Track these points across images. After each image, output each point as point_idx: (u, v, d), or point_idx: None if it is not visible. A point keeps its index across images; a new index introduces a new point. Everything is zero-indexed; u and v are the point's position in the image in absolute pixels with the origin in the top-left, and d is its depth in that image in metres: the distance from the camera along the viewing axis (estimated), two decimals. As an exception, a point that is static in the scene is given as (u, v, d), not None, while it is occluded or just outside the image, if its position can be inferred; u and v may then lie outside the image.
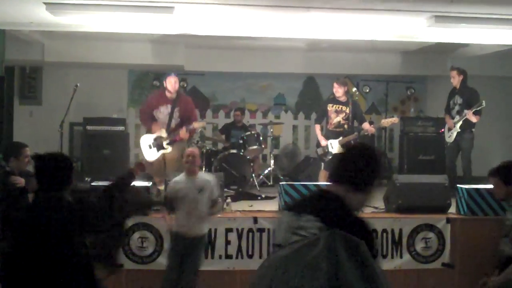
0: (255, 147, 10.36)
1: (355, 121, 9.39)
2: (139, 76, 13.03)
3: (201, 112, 12.98)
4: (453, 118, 9.69)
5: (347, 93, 9.43)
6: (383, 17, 8.21)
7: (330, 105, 9.39)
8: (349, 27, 8.96)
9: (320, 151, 9.40)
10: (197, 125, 8.89)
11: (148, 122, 8.87)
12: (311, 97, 13.59)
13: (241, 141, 10.39)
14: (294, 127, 13.39)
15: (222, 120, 12.95)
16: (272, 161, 11.12)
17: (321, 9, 7.65)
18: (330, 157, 9.05)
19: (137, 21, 8.26)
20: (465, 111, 9.35)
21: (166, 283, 6.13)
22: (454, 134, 9.59)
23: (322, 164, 9.36)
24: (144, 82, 12.95)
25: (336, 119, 9.29)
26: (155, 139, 8.73)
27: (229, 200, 7.89)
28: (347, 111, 9.20)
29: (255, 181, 10.17)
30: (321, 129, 9.67)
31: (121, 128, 11.19)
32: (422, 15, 7.93)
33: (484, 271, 7.27)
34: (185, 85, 12.05)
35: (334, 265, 1.00)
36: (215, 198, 6.29)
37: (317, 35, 9.62)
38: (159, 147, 8.71)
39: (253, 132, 10.65)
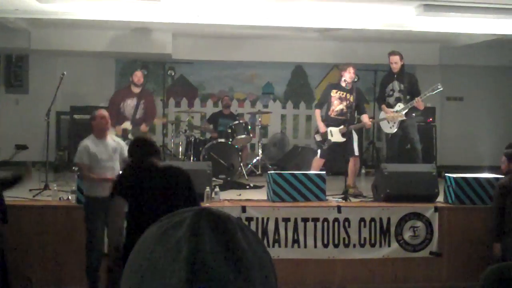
0: (243, 136, 10.32)
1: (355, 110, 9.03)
2: (126, 64, 12.93)
3: (189, 101, 12.94)
4: (391, 106, 9.03)
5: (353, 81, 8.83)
6: (371, 6, 8.19)
7: (334, 90, 8.89)
8: (337, 16, 8.93)
9: (318, 137, 8.98)
10: (157, 121, 10.10)
11: (113, 116, 9.11)
12: (299, 86, 13.56)
13: (229, 130, 10.36)
14: (283, 116, 13.36)
15: (210, 109, 12.89)
16: (260, 150, 11.09)
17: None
18: (328, 145, 8.72)
19: (124, 8, 8.19)
20: (416, 99, 8.62)
21: (90, 246, 6.27)
22: (397, 123, 8.86)
23: (319, 151, 8.98)
24: (131, 71, 12.72)
25: (339, 106, 8.84)
26: (122, 131, 9.37)
27: (217, 189, 7.87)
28: (351, 99, 8.72)
29: (243, 170, 10.15)
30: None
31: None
32: (411, 3, 7.91)
33: (471, 259, 7.35)
34: (173, 74, 11.98)
35: (194, 248, 0.98)
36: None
37: (306, 24, 9.59)
38: (125, 138, 9.05)
39: (241, 121, 10.61)
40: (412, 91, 8.89)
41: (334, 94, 8.86)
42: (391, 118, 8.89)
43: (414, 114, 9.07)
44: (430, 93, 8.74)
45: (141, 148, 5.04)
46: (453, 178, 7.72)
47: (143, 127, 9.53)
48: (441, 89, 8.70)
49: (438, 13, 8.17)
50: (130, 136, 9.22)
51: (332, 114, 8.87)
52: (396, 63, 9.01)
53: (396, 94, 9.04)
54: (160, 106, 11.61)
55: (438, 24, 9.27)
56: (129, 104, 9.58)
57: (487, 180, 7.79)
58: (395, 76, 9.07)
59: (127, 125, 9.52)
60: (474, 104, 13.27)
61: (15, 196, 7.53)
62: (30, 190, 7.97)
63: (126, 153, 6.27)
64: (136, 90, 9.63)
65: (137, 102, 9.59)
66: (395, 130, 8.97)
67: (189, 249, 0.95)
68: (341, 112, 8.85)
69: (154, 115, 9.99)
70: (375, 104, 12.54)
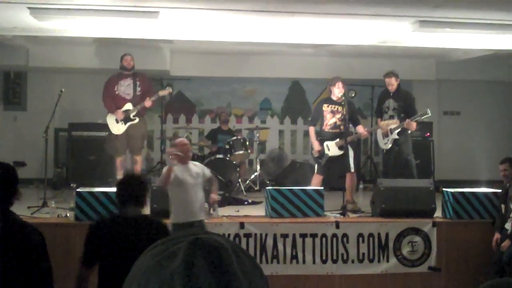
0: (241, 152, 10.34)
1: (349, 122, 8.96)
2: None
3: (187, 116, 12.96)
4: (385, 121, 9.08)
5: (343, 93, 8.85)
6: (367, 22, 8.25)
7: (326, 105, 8.92)
8: (333, 32, 8.99)
9: (315, 153, 8.93)
10: (161, 93, 9.48)
11: (112, 105, 9.35)
12: (297, 101, 13.59)
13: (227, 146, 10.37)
14: (280, 132, 13.38)
15: (208, 125, 12.92)
16: (258, 166, 11.09)
17: (305, 14, 7.68)
18: (324, 160, 8.75)
19: (122, 26, 8.24)
20: (407, 120, 8.63)
21: None
22: (391, 140, 8.96)
23: (316, 166, 8.98)
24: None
25: (332, 120, 8.85)
26: (123, 113, 9.22)
27: (215, 205, 7.87)
28: (344, 111, 8.69)
29: (242, 186, 10.15)
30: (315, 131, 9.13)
31: (106, 133, 11.12)
32: (407, 20, 7.97)
33: (470, 274, 7.35)
34: (171, 90, 11.98)
35: (188, 283, 0.97)
36: (209, 177, 6.49)
37: (302, 40, 9.65)
38: (127, 119, 9.24)
39: (239, 137, 10.62)
40: (407, 110, 8.92)
41: (326, 108, 8.88)
42: (384, 127, 8.96)
43: (409, 131, 9.08)
44: (418, 118, 8.69)
45: (123, 193, 4.48)
46: (451, 192, 7.74)
47: (147, 102, 9.18)
48: (429, 115, 8.67)
49: (433, 29, 8.24)
50: (132, 116, 9.22)
51: (326, 128, 8.87)
52: (392, 84, 9.12)
53: (391, 112, 9.11)
54: (158, 122, 11.62)
55: (434, 40, 9.33)
56: (124, 84, 9.37)
57: (485, 194, 7.81)
58: (391, 94, 9.14)
59: (129, 106, 9.28)
60: (471, 119, 13.32)
61: (13, 213, 7.55)
62: (29, 207, 7.97)
63: (208, 173, 6.46)
64: (128, 72, 9.47)
65: (133, 81, 9.38)
66: (390, 145, 9.01)
67: (183, 284, 0.94)
68: (334, 125, 8.84)
69: (153, 90, 9.62)
70: (372, 119, 12.59)
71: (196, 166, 6.41)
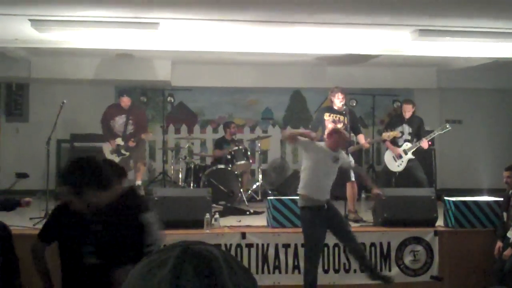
0: (243, 162, 10.35)
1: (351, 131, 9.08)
2: (122, 94, 12.97)
3: (189, 127, 12.98)
4: (399, 146, 9.52)
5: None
6: (367, 31, 8.27)
7: (327, 114, 8.89)
8: (334, 42, 9.01)
9: None
10: (144, 136, 10.12)
11: (107, 134, 10.07)
12: (298, 111, 13.60)
13: (229, 156, 10.38)
14: (282, 142, 13.37)
15: (210, 135, 12.94)
16: (260, 176, 11.09)
17: (305, 23, 7.70)
18: None
19: (122, 37, 8.27)
20: (422, 139, 9.20)
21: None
22: (405, 161, 9.38)
23: None
24: (131, 98, 12.88)
25: None
26: (115, 146, 9.89)
27: (217, 215, 7.87)
28: (345, 121, 8.68)
29: (244, 196, 10.14)
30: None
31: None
32: (407, 29, 7.99)
33: (472, 283, 7.33)
34: (172, 101, 12.04)
35: None
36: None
37: (303, 50, 9.66)
38: (119, 153, 9.87)
39: (240, 147, 10.63)
40: (419, 133, 9.43)
41: (327, 117, 8.86)
42: (387, 137, 9.18)
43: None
44: (439, 132, 9.24)
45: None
46: (453, 201, 7.73)
47: (131, 143, 9.87)
48: (449, 128, 9.20)
49: (433, 38, 8.25)
50: (123, 151, 9.84)
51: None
52: (409, 111, 9.60)
53: (406, 137, 9.56)
54: (160, 132, 11.65)
55: (435, 48, 9.34)
56: (118, 121, 9.99)
57: (487, 203, 7.80)
58: (406, 120, 9.59)
59: (119, 140, 9.92)
60: (473, 127, 13.31)
61: (15, 225, 7.55)
62: (31, 218, 7.98)
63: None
64: (125, 106, 10.12)
65: (126, 119, 9.97)
66: (402, 168, 9.41)
67: None
68: None
69: (145, 129, 10.26)
70: (373, 129, 12.59)
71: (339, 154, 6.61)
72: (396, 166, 9.50)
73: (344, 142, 6.60)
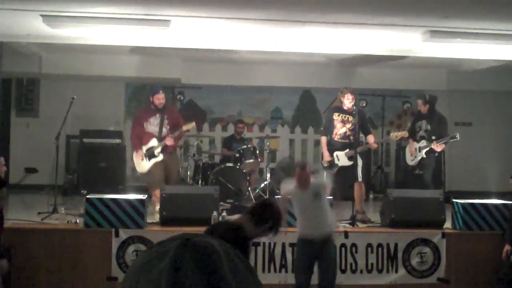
0: (251, 160, 10.35)
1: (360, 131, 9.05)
2: (136, 89, 13.04)
3: (198, 125, 12.98)
4: (417, 141, 9.49)
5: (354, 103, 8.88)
6: (378, 32, 8.25)
7: (336, 114, 8.88)
8: (344, 42, 9.00)
9: (325, 163, 8.89)
10: (185, 127, 8.97)
11: (136, 144, 8.91)
12: (307, 110, 13.60)
13: (237, 155, 10.39)
14: (291, 141, 13.38)
15: (219, 133, 12.97)
16: (268, 175, 11.08)
17: (316, 23, 7.70)
18: (335, 170, 8.66)
19: (133, 34, 8.29)
20: (433, 141, 9.10)
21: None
22: (419, 159, 9.36)
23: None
24: (141, 95, 12.94)
25: (342, 129, 8.79)
26: (147, 150, 8.80)
27: (224, 213, 7.88)
28: (354, 121, 8.66)
29: (251, 194, 10.15)
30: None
31: (118, 140, 11.22)
32: (417, 30, 7.97)
33: (479, 286, 7.31)
34: (182, 98, 12.06)
35: (174, 283, 0.97)
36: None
37: (313, 49, 9.65)
38: (151, 156, 8.80)
39: (249, 145, 10.63)
40: (440, 132, 9.24)
41: (337, 117, 8.86)
42: (395, 137, 9.10)
43: (436, 154, 9.45)
44: (447, 140, 9.09)
45: None
46: (461, 204, 7.69)
47: (169, 141, 8.79)
48: (458, 138, 9.04)
49: (444, 40, 8.22)
50: (156, 153, 8.79)
51: (336, 137, 8.83)
52: (420, 106, 9.54)
53: (422, 133, 9.44)
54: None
55: (445, 50, 9.32)
56: (154, 123, 8.93)
57: (495, 206, 7.76)
58: (423, 116, 9.49)
59: (154, 142, 8.84)
60: (482, 129, 13.26)
61: (23, 219, 7.59)
62: (39, 213, 8.01)
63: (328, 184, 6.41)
64: (158, 108, 8.97)
65: (161, 119, 8.93)
66: (415, 164, 9.43)
67: (168, 283, 0.95)
68: (344, 135, 8.80)
69: (182, 125, 9.03)
70: (383, 129, 12.58)
71: (315, 182, 6.14)
72: (410, 160, 9.57)
73: (303, 180, 6.27)
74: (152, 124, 8.91)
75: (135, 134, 8.98)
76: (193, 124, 9.29)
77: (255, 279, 1.08)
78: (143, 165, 8.85)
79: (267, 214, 4.20)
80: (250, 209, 4.41)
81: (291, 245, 7.25)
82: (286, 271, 7.25)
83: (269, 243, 7.29)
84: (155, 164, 8.80)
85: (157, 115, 8.91)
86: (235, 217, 4.34)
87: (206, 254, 1.00)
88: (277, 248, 7.30)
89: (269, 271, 7.30)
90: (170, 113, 9.14)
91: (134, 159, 8.95)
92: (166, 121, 8.96)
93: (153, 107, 8.91)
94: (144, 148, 8.81)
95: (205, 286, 0.97)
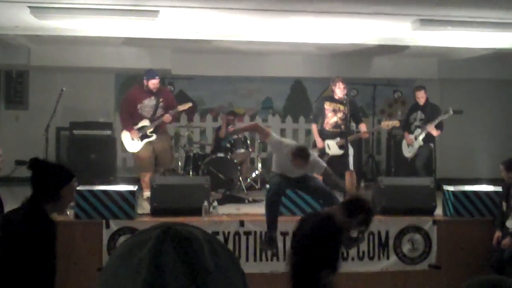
0: (242, 150, 10.36)
1: (351, 120, 9.13)
2: (126, 80, 12.95)
3: (189, 116, 12.96)
4: (412, 133, 9.68)
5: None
6: (368, 21, 8.24)
7: (328, 103, 8.91)
8: (334, 31, 8.98)
9: (316, 150, 8.79)
10: (181, 107, 8.90)
11: (128, 122, 8.76)
12: (298, 100, 13.58)
13: (228, 145, 10.39)
14: (282, 131, 13.36)
15: (210, 123, 12.94)
16: (259, 165, 11.10)
17: (305, 12, 7.67)
18: (326, 159, 8.62)
19: (122, 25, 8.25)
20: (428, 125, 9.35)
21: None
22: (416, 147, 9.51)
23: None
24: (131, 86, 12.85)
25: (333, 119, 8.84)
26: (139, 130, 8.67)
27: (215, 203, 7.88)
28: (345, 110, 8.78)
29: (243, 184, 10.15)
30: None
31: (108, 132, 11.17)
32: (408, 18, 7.96)
33: (470, 272, 7.34)
34: (172, 89, 12.01)
35: (154, 271, 0.97)
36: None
37: (303, 39, 9.63)
38: (143, 136, 8.67)
39: (240, 135, 10.62)
40: (434, 119, 9.39)
41: (328, 106, 8.89)
42: (386, 126, 9.22)
43: (432, 145, 9.59)
44: (442, 118, 9.28)
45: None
46: (451, 191, 7.73)
47: (167, 117, 8.67)
48: (451, 113, 9.27)
49: (435, 28, 8.22)
50: (148, 133, 8.65)
51: (327, 126, 8.88)
52: (422, 97, 9.67)
53: (417, 123, 9.64)
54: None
55: (436, 39, 9.32)
56: (149, 105, 8.78)
57: (485, 193, 7.80)
58: (420, 107, 9.68)
59: (145, 122, 8.70)
60: (473, 118, 13.27)
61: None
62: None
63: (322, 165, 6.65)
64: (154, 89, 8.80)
65: (156, 101, 8.80)
66: (412, 155, 9.57)
67: (148, 271, 0.94)
68: (335, 125, 8.85)
69: (176, 105, 8.94)
70: (374, 118, 12.58)
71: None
72: (407, 152, 9.67)
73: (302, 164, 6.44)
74: (147, 106, 8.77)
75: (127, 112, 8.79)
76: (190, 104, 9.21)
77: (239, 269, 1.07)
78: (133, 144, 8.70)
79: (359, 208, 4.42)
80: (344, 201, 4.61)
81: (282, 234, 7.25)
82: (278, 260, 7.26)
83: (260, 232, 7.29)
84: (145, 146, 8.67)
85: (152, 97, 8.76)
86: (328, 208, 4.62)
87: (187, 242, 0.99)
88: (288, 237, 7.30)
89: (260, 260, 7.33)
90: (165, 95, 9.02)
91: (124, 139, 8.78)
92: (161, 104, 8.83)
93: (146, 89, 8.75)
94: (135, 131, 8.67)
95: (186, 274, 0.96)
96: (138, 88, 8.96)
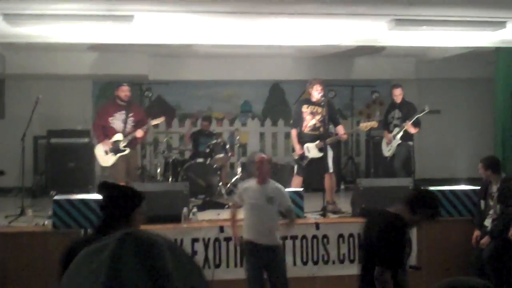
0: (221, 155, 10.30)
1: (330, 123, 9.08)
2: (104, 86, 12.86)
3: (167, 121, 12.88)
4: (391, 132, 9.72)
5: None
6: (344, 22, 8.24)
7: (305, 106, 8.92)
8: (311, 33, 8.97)
9: (296, 155, 8.93)
10: (154, 122, 9.28)
11: (101, 135, 9.06)
12: (277, 103, 13.57)
13: (207, 150, 10.33)
14: (261, 134, 13.35)
15: (188, 129, 12.88)
16: (239, 169, 11.05)
17: (281, 14, 7.65)
18: (306, 162, 8.76)
19: (96, 31, 8.16)
20: (405, 122, 9.39)
21: None
22: (395, 146, 9.56)
23: (296, 167, 8.98)
24: (109, 93, 12.69)
25: (312, 121, 8.83)
26: (113, 144, 8.92)
27: (194, 209, 7.83)
28: (323, 112, 8.72)
29: (223, 189, 10.10)
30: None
31: (86, 140, 11.07)
32: (383, 18, 7.96)
33: (451, 271, 7.36)
34: (150, 95, 11.94)
35: (113, 273, 0.96)
36: (287, 207, 6.32)
37: (280, 41, 9.61)
38: (117, 151, 8.92)
39: (219, 140, 10.58)
40: (411, 116, 9.44)
41: (306, 109, 8.89)
42: (364, 127, 9.24)
43: (411, 143, 9.60)
44: (418, 115, 9.33)
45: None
46: (430, 191, 7.73)
47: (139, 132, 8.97)
48: (427, 110, 9.33)
49: (410, 27, 8.22)
50: (122, 147, 8.91)
51: (306, 129, 8.87)
52: (399, 95, 9.76)
53: (395, 122, 9.69)
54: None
55: (412, 39, 9.33)
56: (118, 118, 9.06)
57: (464, 192, 7.83)
58: (397, 105, 9.75)
59: (118, 136, 8.96)
60: (451, 117, 13.36)
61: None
62: (6, 216, 7.88)
63: (287, 202, 6.32)
64: (122, 103, 9.15)
65: (126, 115, 9.09)
66: (392, 153, 9.62)
67: (107, 274, 0.94)
68: (314, 127, 8.84)
69: (146, 121, 9.27)
70: (352, 120, 12.61)
71: (274, 189, 6.29)
72: (387, 151, 9.72)
73: (262, 172, 6.29)
74: (118, 119, 9.03)
75: (100, 126, 9.08)
76: (162, 119, 9.56)
77: (202, 274, 1.06)
78: (106, 159, 8.93)
79: (424, 202, 4.47)
80: (407, 198, 4.58)
81: (281, 237, 7.19)
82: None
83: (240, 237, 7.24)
84: (118, 161, 8.91)
85: (123, 111, 9.04)
86: (393, 207, 4.53)
87: (147, 246, 0.99)
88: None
89: (241, 265, 7.25)
90: (135, 111, 9.27)
91: (97, 153, 9.03)
92: (131, 118, 9.08)
93: (119, 101, 9.05)
94: (109, 142, 8.90)
95: (145, 276, 0.96)
96: (111, 102, 9.35)
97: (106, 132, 9.00)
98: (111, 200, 3.61)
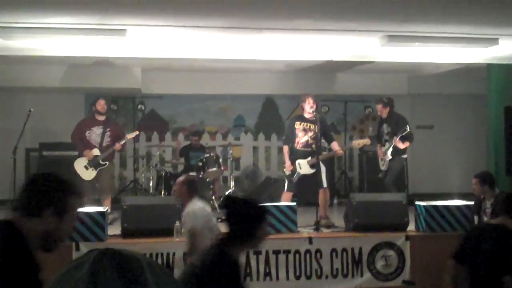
0: (214, 169, 10.28)
1: (322, 139, 9.13)
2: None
3: (160, 135, 12.88)
4: (383, 146, 9.71)
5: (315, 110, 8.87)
6: (336, 38, 8.26)
7: (298, 122, 8.89)
8: (304, 48, 8.99)
9: (287, 171, 8.90)
10: (129, 136, 9.56)
11: (81, 147, 9.30)
12: (270, 118, 13.59)
13: (200, 164, 10.30)
14: (254, 148, 13.35)
15: (181, 142, 12.86)
16: (232, 183, 11.03)
17: (274, 30, 7.66)
18: (296, 179, 8.75)
19: (89, 44, 8.16)
20: (394, 138, 9.30)
21: None
22: (387, 161, 9.52)
23: (286, 184, 8.96)
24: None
25: (304, 138, 8.81)
26: (92, 160, 9.13)
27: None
28: (316, 129, 8.73)
29: (215, 203, 10.07)
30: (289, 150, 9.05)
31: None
32: (375, 34, 7.99)
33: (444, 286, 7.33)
34: (143, 108, 11.92)
35: None
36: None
37: (273, 57, 9.63)
38: (97, 165, 9.15)
39: (212, 154, 10.56)
40: (399, 131, 9.31)
41: (298, 126, 8.88)
42: (357, 145, 9.26)
43: (404, 157, 9.55)
44: (400, 135, 9.21)
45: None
46: (423, 206, 7.72)
47: (117, 145, 9.26)
48: (408, 130, 9.21)
49: (402, 44, 8.26)
50: (100, 161, 9.13)
51: (298, 146, 8.85)
52: (381, 111, 9.73)
53: (385, 137, 9.63)
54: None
55: (404, 54, 9.37)
56: (95, 132, 9.32)
57: (457, 207, 7.80)
58: (384, 120, 9.72)
59: (96, 152, 9.19)
60: (444, 132, 13.40)
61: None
62: None
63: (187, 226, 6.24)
64: (101, 118, 9.40)
65: (103, 130, 9.33)
66: (385, 169, 9.56)
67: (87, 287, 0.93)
68: (306, 144, 8.82)
69: (123, 136, 9.50)
70: (345, 135, 12.62)
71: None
72: (382, 165, 9.71)
73: (183, 192, 6.41)
74: (95, 133, 9.30)
75: (78, 138, 9.32)
76: (137, 132, 10.09)
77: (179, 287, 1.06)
78: (88, 173, 9.12)
79: None
80: (506, 208, 4.69)
81: (255, 253, 7.17)
82: (251, 280, 7.17)
83: (254, 252, 7.17)
84: (102, 172, 9.16)
85: (101, 126, 9.32)
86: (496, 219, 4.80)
87: (126, 262, 0.98)
88: (240, 256, 7.22)
89: (257, 279, 7.22)
90: (113, 127, 9.54)
91: (77, 168, 9.16)
92: (108, 133, 9.33)
93: (97, 115, 9.36)
94: (90, 154, 9.15)
95: None
96: (91, 116, 9.67)
97: (84, 146, 9.24)
98: (237, 215, 3.52)
